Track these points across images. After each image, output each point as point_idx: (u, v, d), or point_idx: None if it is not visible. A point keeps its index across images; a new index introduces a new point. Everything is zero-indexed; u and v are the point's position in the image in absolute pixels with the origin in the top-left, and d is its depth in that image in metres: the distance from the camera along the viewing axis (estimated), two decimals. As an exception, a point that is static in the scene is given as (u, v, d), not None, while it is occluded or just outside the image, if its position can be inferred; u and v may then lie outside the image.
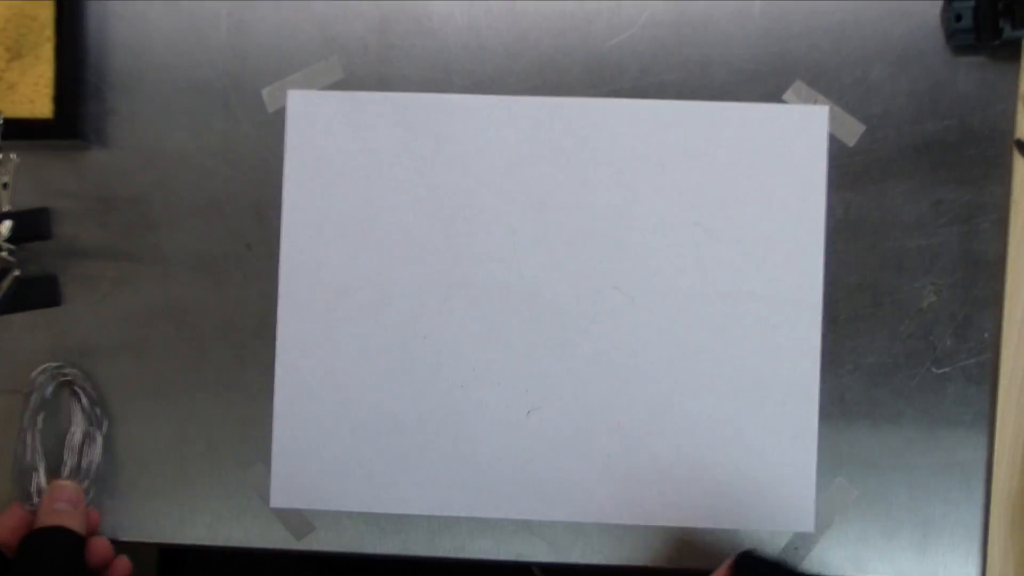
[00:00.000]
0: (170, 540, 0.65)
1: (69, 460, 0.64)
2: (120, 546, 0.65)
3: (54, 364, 0.65)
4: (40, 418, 0.64)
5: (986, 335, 0.63)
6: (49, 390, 0.65)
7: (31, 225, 0.64)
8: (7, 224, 0.62)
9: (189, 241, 0.66)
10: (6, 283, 0.62)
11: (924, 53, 0.64)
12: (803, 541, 0.63)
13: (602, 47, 0.65)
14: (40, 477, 0.63)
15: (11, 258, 0.63)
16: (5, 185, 0.63)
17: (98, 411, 0.65)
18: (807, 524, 0.63)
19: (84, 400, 0.65)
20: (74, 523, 0.60)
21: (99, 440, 0.64)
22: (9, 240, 0.62)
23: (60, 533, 0.59)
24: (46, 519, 0.59)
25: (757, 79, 0.64)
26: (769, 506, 0.63)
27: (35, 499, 0.62)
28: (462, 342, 0.65)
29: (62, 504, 0.60)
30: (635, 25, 0.65)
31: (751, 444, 0.63)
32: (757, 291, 0.64)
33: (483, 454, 0.65)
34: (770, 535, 0.64)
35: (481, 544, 0.65)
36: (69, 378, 0.65)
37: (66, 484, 0.62)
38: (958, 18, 0.62)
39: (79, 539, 0.59)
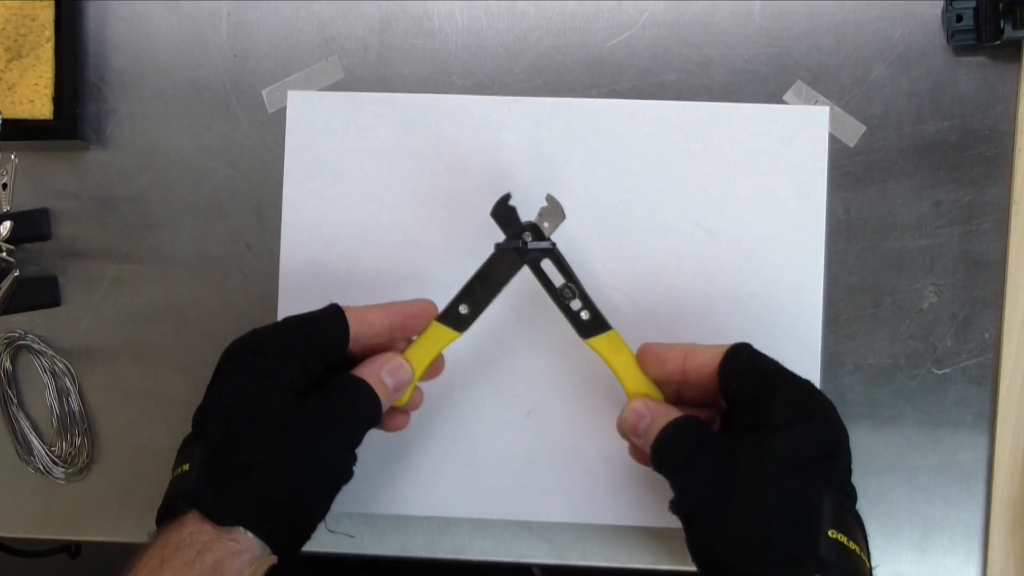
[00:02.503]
0: (170, 540, 0.65)
1: (53, 418, 0.65)
2: (120, 546, 0.65)
3: (2, 334, 0.66)
4: (12, 390, 0.66)
5: (987, 336, 0.63)
6: (8, 361, 0.66)
7: (31, 225, 0.64)
8: (7, 224, 0.62)
9: (189, 241, 0.66)
10: (6, 283, 0.62)
11: (925, 53, 0.64)
12: (803, 541, 0.63)
13: (602, 47, 0.65)
14: (39, 445, 0.65)
15: (11, 258, 0.63)
16: (5, 185, 0.63)
17: (60, 363, 0.65)
18: (807, 524, 0.63)
19: (44, 356, 0.65)
20: (388, 403, 0.53)
21: (73, 388, 0.65)
22: (9, 240, 0.62)
23: (373, 404, 0.52)
24: (368, 376, 0.53)
25: (757, 79, 0.64)
26: (769, 506, 0.63)
27: (40, 468, 0.65)
28: (462, 342, 0.64)
29: (390, 380, 0.53)
30: (635, 25, 0.65)
31: (751, 444, 0.63)
32: (757, 291, 0.64)
33: (483, 454, 0.65)
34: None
35: (481, 544, 0.65)
36: (23, 341, 0.65)
37: (401, 364, 0.54)
38: (959, 18, 0.62)
39: (378, 411, 0.53)
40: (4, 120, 0.63)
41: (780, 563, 0.44)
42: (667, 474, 0.50)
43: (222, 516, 0.47)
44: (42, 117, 0.64)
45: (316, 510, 0.51)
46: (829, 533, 0.45)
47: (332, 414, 0.51)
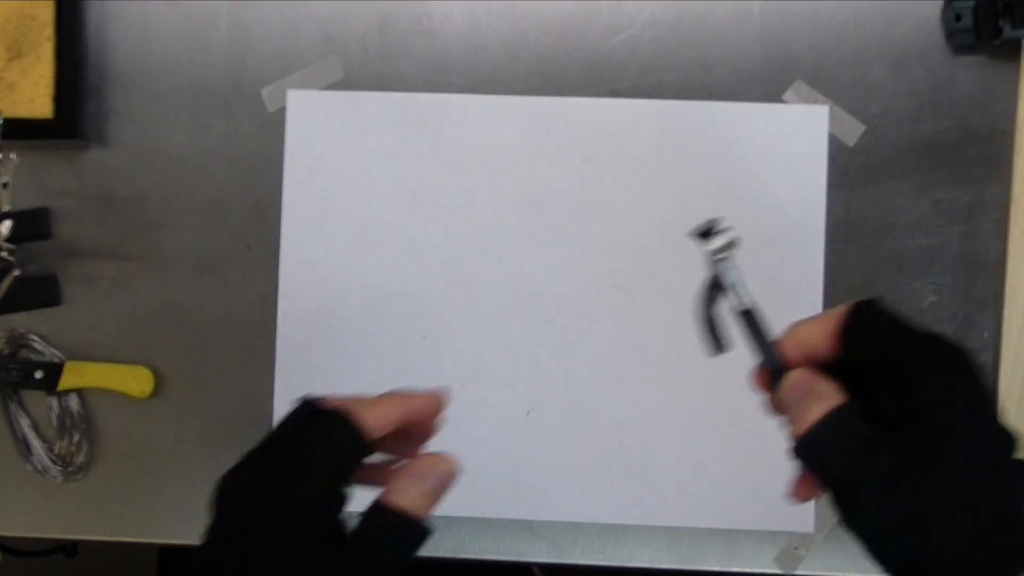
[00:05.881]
0: (170, 540, 0.65)
1: (52, 417, 0.65)
2: (120, 546, 0.65)
3: (2, 333, 0.66)
4: (12, 389, 0.65)
5: (986, 335, 0.63)
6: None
7: (31, 225, 0.64)
8: (7, 224, 0.62)
9: (189, 241, 0.66)
10: (6, 283, 0.62)
11: (924, 53, 0.64)
12: (803, 541, 0.63)
13: (602, 47, 0.65)
14: (38, 445, 0.65)
15: (11, 258, 0.63)
16: (5, 185, 0.63)
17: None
18: (807, 524, 0.63)
19: (44, 355, 0.65)
20: (424, 513, 0.44)
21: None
22: (9, 240, 0.62)
23: (405, 526, 0.43)
24: (396, 498, 0.44)
25: (757, 79, 0.64)
26: (769, 506, 0.63)
27: (38, 467, 0.65)
28: (462, 342, 0.64)
29: (433, 490, 0.46)
30: (635, 25, 0.65)
31: (751, 444, 0.63)
32: (757, 291, 0.64)
33: (483, 454, 0.65)
34: (770, 535, 0.64)
35: (481, 544, 0.65)
36: (23, 341, 0.65)
37: (433, 465, 0.47)
38: (958, 18, 0.62)
39: (425, 536, 0.44)
40: (4, 119, 0.63)
41: (999, 560, 0.40)
42: (829, 480, 0.42)
43: None
44: (42, 116, 0.64)
45: None
46: None
47: (375, 563, 0.42)
